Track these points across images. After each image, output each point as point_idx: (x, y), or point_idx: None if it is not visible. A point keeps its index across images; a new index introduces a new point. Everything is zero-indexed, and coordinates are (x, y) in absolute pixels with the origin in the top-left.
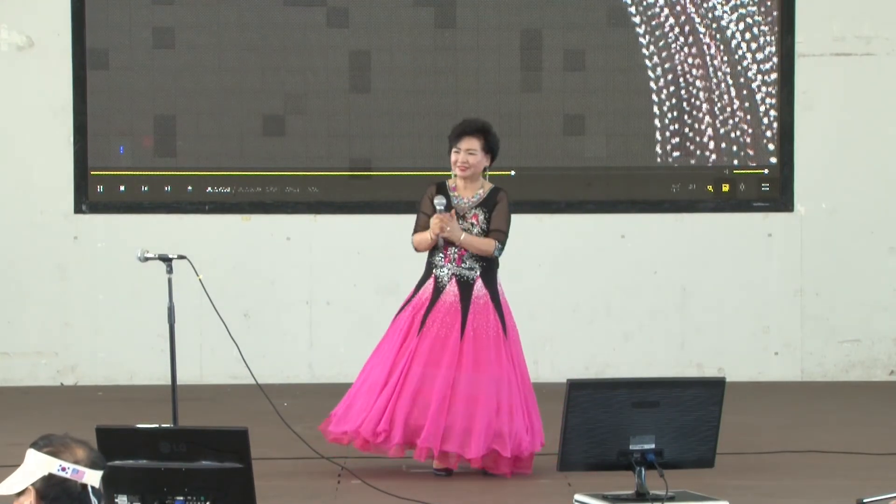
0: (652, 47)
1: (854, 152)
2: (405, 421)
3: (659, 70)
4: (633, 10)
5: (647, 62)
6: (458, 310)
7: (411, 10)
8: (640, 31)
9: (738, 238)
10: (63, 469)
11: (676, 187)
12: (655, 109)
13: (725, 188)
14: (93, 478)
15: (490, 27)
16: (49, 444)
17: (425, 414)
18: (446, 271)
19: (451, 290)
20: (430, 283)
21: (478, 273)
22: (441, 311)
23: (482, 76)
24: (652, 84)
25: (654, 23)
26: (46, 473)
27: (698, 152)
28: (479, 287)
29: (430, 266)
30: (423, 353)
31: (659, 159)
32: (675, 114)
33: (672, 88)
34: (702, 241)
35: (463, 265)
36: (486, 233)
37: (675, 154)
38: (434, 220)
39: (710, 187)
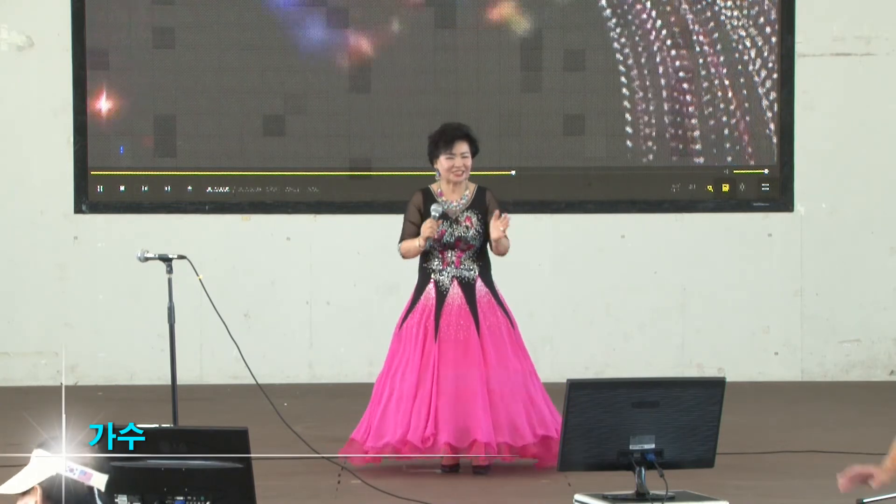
0: (652, 48)
1: (854, 152)
2: (452, 423)
3: (659, 70)
4: (632, 10)
5: (647, 62)
6: (467, 311)
7: (411, 10)
8: (641, 31)
9: (738, 238)
10: (71, 470)
11: (676, 187)
12: (655, 109)
13: (725, 188)
14: (100, 480)
15: (490, 27)
16: (57, 445)
17: (469, 413)
18: (447, 275)
19: (455, 292)
20: (430, 288)
21: (476, 273)
22: (452, 315)
23: (482, 76)
24: (651, 83)
25: (654, 23)
26: (54, 473)
27: (698, 152)
28: (479, 286)
29: (426, 272)
30: (449, 356)
31: (659, 159)
32: (675, 114)
33: (672, 88)
34: (702, 241)
35: (462, 266)
36: (480, 234)
37: (675, 154)
38: (426, 226)
39: (710, 187)
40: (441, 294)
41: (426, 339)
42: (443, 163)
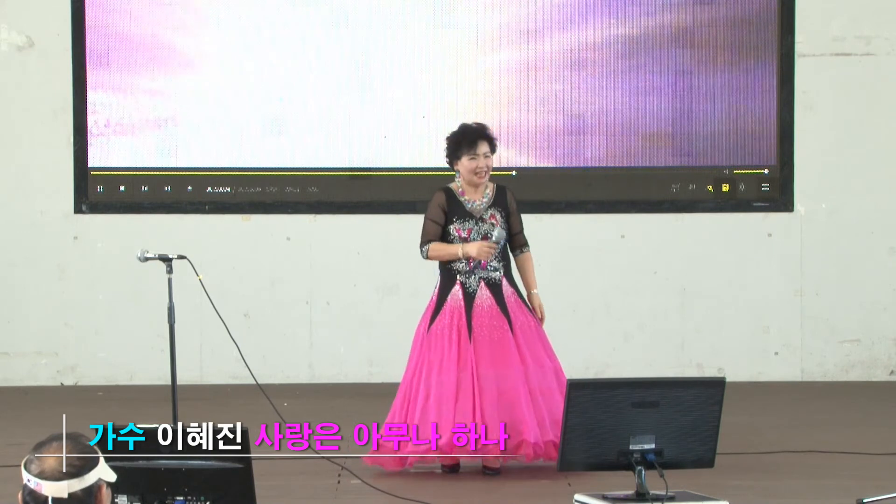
0: (651, 47)
1: (854, 152)
2: (499, 422)
3: (658, 69)
4: (633, 9)
5: (647, 61)
6: (498, 311)
7: (411, 10)
8: (639, 30)
9: (738, 238)
10: (28, 481)
11: (676, 187)
12: (655, 109)
13: (725, 188)
14: (55, 489)
15: (490, 27)
16: (31, 452)
17: (514, 413)
18: (474, 277)
19: (484, 293)
20: (457, 289)
21: (501, 273)
22: (484, 315)
23: (482, 76)
24: (651, 83)
25: (653, 23)
26: (24, 482)
27: (698, 152)
28: (505, 286)
29: (451, 273)
30: (486, 356)
31: (659, 159)
32: (675, 113)
33: (671, 88)
34: (702, 241)
35: (489, 268)
36: (504, 231)
37: (675, 154)
38: (485, 248)
39: (710, 187)
40: (469, 295)
41: (460, 340)
42: (465, 164)
